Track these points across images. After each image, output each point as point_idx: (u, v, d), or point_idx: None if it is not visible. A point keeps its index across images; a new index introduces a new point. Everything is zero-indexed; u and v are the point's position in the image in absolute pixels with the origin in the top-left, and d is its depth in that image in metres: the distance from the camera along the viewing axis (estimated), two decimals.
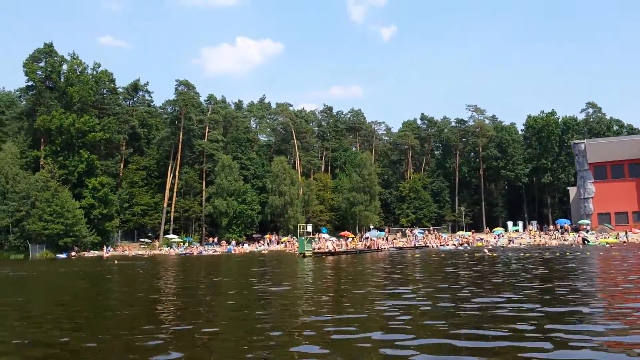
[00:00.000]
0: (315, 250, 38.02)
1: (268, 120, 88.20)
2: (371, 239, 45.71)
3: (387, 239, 49.32)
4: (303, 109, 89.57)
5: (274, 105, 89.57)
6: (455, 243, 50.62)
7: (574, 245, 44.57)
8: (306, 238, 36.58)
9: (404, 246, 48.29)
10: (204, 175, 75.42)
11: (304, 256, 35.49)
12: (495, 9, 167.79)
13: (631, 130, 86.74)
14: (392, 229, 75.82)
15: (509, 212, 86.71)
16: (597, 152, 64.54)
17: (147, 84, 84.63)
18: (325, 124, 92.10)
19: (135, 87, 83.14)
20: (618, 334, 7.05)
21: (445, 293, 12.28)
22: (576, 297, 11.04)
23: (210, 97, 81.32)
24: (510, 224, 72.20)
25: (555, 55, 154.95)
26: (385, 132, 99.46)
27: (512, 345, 6.45)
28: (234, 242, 63.69)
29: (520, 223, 73.08)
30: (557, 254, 30.47)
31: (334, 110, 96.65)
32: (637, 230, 55.83)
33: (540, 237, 57.49)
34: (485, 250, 35.21)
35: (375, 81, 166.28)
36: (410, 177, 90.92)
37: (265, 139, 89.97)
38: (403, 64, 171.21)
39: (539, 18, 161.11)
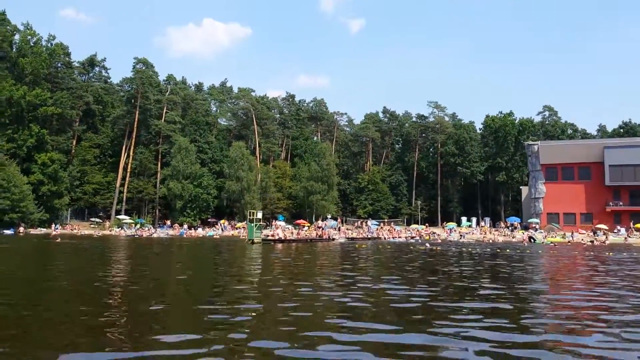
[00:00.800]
0: (265, 237, 37.68)
1: (229, 105, 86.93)
2: (322, 229, 45.67)
3: (339, 229, 49.32)
4: (265, 95, 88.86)
5: (236, 90, 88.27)
6: (407, 236, 51.13)
7: (519, 243, 45.62)
8: (256, 225, 36.13)
9: (357, 237, 48.49)
10: (160, 157, 73.89)
11: (253, 242, 35.09)
12: (463, 10, 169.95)
13: (584, 135, 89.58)
14: (349, 220, 76.38)
15: (464, 207, 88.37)
16: (549, 153, 66.16)
17: (104, 59, 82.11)
18: (287, 112, 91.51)
19: (91, 63, 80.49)
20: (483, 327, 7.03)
21: (345, 280, 12.18)
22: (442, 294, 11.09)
23: (170, 78, 79.59)
24: (464, 219, 73.47)
25: (517, 58, 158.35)
26: (347, 123, 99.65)
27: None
28: (186, 226, 62.66)
29: (474, 219, 74.45)
30: (498, 250, 31.06)
31: (297, 99, 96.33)
32: (583, 231, 57.55)
33: (490, 233, 58.75)
34: (427, 244, 35.81)
35: (342, 72, 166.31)
36: (369, 169, 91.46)
37: (226, 123, 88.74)
38: (370, 57, 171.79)
39: (504, 20, 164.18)
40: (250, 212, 37.40)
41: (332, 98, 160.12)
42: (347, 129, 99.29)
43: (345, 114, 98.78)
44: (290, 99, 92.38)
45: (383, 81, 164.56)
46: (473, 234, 60.32)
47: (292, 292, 10.25)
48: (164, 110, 75.41)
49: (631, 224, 58.78)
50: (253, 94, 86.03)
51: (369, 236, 49.75)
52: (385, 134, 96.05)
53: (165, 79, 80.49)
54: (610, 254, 27.79)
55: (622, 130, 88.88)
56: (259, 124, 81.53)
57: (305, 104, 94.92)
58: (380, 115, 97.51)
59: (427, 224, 71.43)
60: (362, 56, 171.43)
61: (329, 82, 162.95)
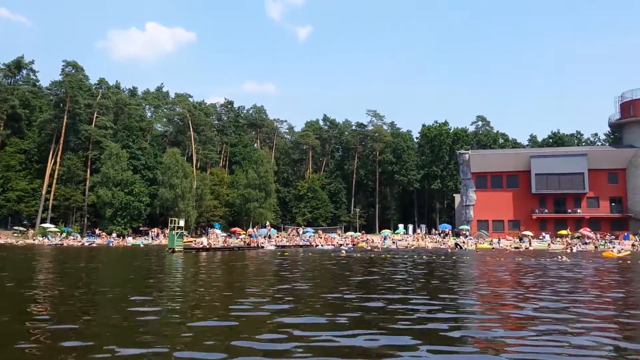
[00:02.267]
0: (187, 246, 36.79)
1: (165, 110, 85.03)
2: (251, 237, 45.13)
3: (269, 236, 48.89)
4: (203, 100, 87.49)
5: (172, 95, 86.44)
6: (336, 243, 51.37)
7: (447, 249, 46.59)
8: (177, 232, 35.19)
9: (288, 244, 48.23)
10: (89, 163, 71.27)
11: (174, 251, 34.13)
12: (404, 20, 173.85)
13: (515, 145, 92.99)
14: (286, 227, 76.01)
15: (401, 215, 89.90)
16: (479, 162, 68.16)
17: (32, 62, 78.55)
18: (225, 118, 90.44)
19: (18, 65, 76.84)
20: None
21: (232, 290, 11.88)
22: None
23: (102, 81, 77.14)
24: (401, 226, 74.56)
25: (455, 68, 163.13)
26: (287, 130, 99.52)
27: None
28: (114, 234, 60.56)
29: (410, 226, 75.71)
30: (424, 256, 31.47)
31: (238, 105, 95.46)
32: (510, 238, 59.48)
33: (423, 240, 59.90)
34: (343, 251, 36.13)
35: (289, 80, 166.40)
36: (309, 177, 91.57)
37: (162, 129, 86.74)
38: (315, 64, 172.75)
39: (442, 32, 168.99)
40: (171, 220, 36.34)
41: (278, 105, 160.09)
42: (288, 136, 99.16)
43: (286, 121, 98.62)
44: (229, 105, 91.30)
45: (326, 89, 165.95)
46: (405, 240, 61.29)
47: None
48: (95, 115, 72.92)
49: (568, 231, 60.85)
50: (190, 99, 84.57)
51: (301, 244, 49.55)
52: (326, 142, 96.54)
53: (97, 82, 77.94)
54: (520, 259, 28.69)
55: (551, 140, 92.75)
56: (196, 130, 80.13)
57: (244, 111, 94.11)
58: (321, 123, 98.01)
59: (363, 232, 72.09)
60: (308, 64, 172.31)
61: (275, 89, 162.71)
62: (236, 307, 9.29)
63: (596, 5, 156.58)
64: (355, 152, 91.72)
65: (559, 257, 30.50)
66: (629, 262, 26.36)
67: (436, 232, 67.45)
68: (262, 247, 41.95)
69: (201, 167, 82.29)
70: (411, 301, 10.11)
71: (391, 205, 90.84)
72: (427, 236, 62.84)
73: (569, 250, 42.66)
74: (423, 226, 76.24)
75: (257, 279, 15.98)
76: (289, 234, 56.01)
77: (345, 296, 10.91)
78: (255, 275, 17.70)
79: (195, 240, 43.91)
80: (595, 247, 47.31)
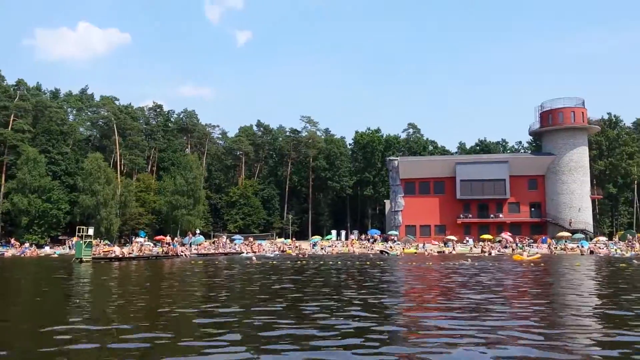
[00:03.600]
0: (97, 255, 35.03)
1: (89, 113, 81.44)
2: (169, 245, 43.64)
3: (190, 244, 47.51)
4: (130, 104, 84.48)
5: (97, 98, 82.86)
6: (262, 250, 50.73)
7: (374, 255, 46.85)
8: (84, 242, 33.42)
9: (212, 252, 47.06)
10: (4, 169, 67.16)
11: (81, 261, 32.40)
12: (342, 29, 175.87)
13: (444, 152, 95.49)
14: (216, 235, 74.29)
15: (334, 221, 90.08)
16: (407, 169, 69.38)
17: None
18: (154, 122, 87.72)
19: None
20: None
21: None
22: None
23: (20, 82, 72.96)
24: (334, 232, 74.61)
25: (389, 77, 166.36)
26: (220, 136, 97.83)
27: None
28: (27, 244, 57.12)
29: (343, 232, 75.95)
30: (338, 262, 31.34)
31: (171, 109, 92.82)
32: (436, 242, 60.71)
33: (352, 246, 60.18)
34: (254, 258, 35.78)
35: (226, 84, 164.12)
36: (242, 183, 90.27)
37: (87, 134, 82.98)
38: (253, 69, 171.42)
39: (379, 40, 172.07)
40: (78, 228, 34.52)
41: (214, 110, 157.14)
42: (221, 142, 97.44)
43: (218, 126, 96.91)
44: (158, 109, 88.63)
45: (262, 95, 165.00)
46: (335, 246, 61.30)
47: None
48: (12, 118, 68.87)
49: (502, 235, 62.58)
50: (117, 102, 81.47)
51: (224, 251, 48.45)
52: (259, 148, 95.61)
53: (15, 83, 73.74)
54: (430, 263, 29.08)
55: (478, 147, 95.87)
56: (122, 134, 77.24)
57: (175, 115, 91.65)
58: (255, 128, 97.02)
59: (293, 238, 71.62)
60: (245, 69, 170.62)
61: (212, 93, 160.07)
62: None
63: (520, 17, 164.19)
64: (289, 158, 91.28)
65: (465, 260, 31.24)
66: (532, 264, 27.26)
67: (366, 238, 67.93)
68: (180, 255, 40.62)
69: (127, 173, 79.36)
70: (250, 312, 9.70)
71: (324, 212, 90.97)
72: (355, 242, 63.07)
73: (486, 254, 43.90)
74: (356, 232, 76.69)
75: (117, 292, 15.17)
76: (213, 242, 54.61)
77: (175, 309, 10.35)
78: (121, 287, 16.86)
79: (112, 250, 42.00)
80: (513, 250, 49.00)
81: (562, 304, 11.16)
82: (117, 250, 37.31)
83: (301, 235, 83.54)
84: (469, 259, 32.17)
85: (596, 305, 10.99)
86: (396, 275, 20.80)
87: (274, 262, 31.51)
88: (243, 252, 47.50)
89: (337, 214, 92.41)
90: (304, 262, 32.62)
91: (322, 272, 22.77)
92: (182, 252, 41.39)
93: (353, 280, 18.04)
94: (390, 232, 67.10)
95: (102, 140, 79.33)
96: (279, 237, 78.03)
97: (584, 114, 66.48)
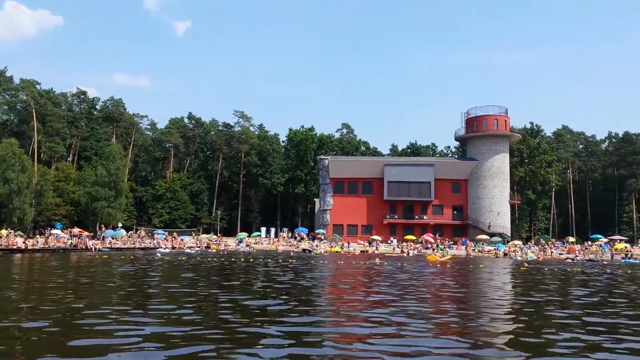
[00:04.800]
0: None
1: (6, 97, 76.37)
2: (78, 238, 41.52)
3: (103, 238, 45.47)
4: (51, 88, 79.95)
5: (17, 81, 77.80)
6: (184, 245, 49.37)
7: (299, 253, 46.63)
8: None
9: (125, 247, 45.21)
10: None
11: None
12: (282, 24, 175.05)
13: (375, 153, 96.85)
14: (138, 229, 71.69)
15: (265, 218, 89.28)
16: (337, 168, 69.62)
17: None
18: (77, 110, 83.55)
19: None
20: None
21: None
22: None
23: None
24: (263, 229, 73.80)
25: (326, 75, 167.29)
26: (149, 126, 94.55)
27: None
28: None
29: (273, 229, 75.33)
30: (250, 259, 30.77)
31: (96, 97, 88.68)
32: (361, 242, 61.20)
33: (278, 243, 59.75)
34: (158, 254, 34.86)
35: (162, 75, 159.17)
36: (170, 177, 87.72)
37: (4, 118, 77.83)
38: (189, 61, 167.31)
39: (318, 38, 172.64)
40: None
41: (150, 100, 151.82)
42: (149, 132, 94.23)
43: (146, 116, 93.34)
44: (82, 96, 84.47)
45: (198, 87, 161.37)
46: (261, 244, 60.67)
47: None
48: None
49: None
50: (38, 87, 76.92)
51: (142, 246, 46.70)
52: (190, 141, 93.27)
53: None
54: (342, 262, 29.07)
55: (409, 150, 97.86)
56: (41, 120, 73.00)
57: (100, 103, 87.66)
58: (186, 121, 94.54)
59: (219, 234, 70.25)
60: (182, 59, 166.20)
61: (148, 83, 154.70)
62: None
63: (454, 26, 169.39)
64: (220, 153, 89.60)
65: (377, 260, 31.58)
66: (439, 265, 27.81)
67: (292, 235, 67.64)
68: (91, 248, 38.69)
69: (46, 161, 75.15)
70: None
71: (254, 208, 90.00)
72: (280, 240, 62.67)
73: (405, 255, 44.64)
74: (286, 229, 76.21)
75: None
76: (129, 236, 52.49)
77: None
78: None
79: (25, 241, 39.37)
80: (433, 251, 50.14)
81: (424, 300, 11.10)
82: (19, 242, 34.94)
83: (230, 231, 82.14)
84: (378, 259, 32.50)
85: (454, 300, 11.01)
86: (285, 273, 20.47)
87: (183, 258, 30.48)
88: (160, 247, 45.88)
89: (267, 211, 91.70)
90: (215, 258, 31.81)
91: (215, 269, 22.11)
92: (92, 245, 39.39)
93: (235, 277, 17.55)
94: (317, 231, 67.11)
95: (20, 126, 74.64)
96: (207, 233, 76.39)
97: (507, 122, 69.16)
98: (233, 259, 30.81)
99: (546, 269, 27.26)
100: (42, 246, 36.45)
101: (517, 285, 16.72)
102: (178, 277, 17.34)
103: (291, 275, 19.06)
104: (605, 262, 40.83)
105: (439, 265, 27.75)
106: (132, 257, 31.11)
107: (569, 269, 26.76)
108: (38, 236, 49.22)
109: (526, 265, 31.65)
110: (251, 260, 30.26)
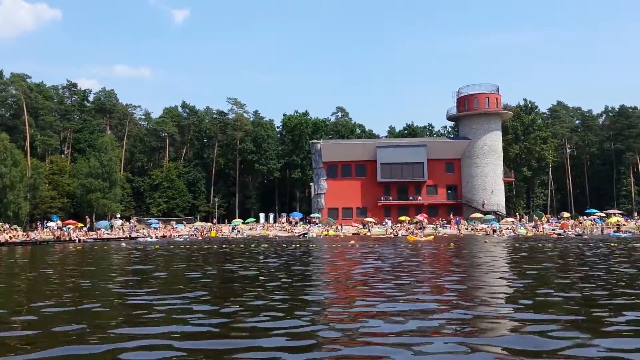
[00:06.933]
0: None
1: None
2: (61, 229, 41.82)
3: (97, 229, 45.80)
4: (42, 82, 79.95)
5: (7, 75, 77.80)
6: (175, 234, 49.66)
7: (295, 238, 46.78)
8: None
9: (115, 237, 45.54)
10: None
11: None
12: (277, 10, 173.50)
13: (371, 135, 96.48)
14: (138, 219, 72.19)
15: (262, 204, 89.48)
16: (330, 152, 69.55)
17: None
18: (69, 102, 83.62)
19: None
20: None
21: None
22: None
23: None
24: (262, 215, 74.02)
25: (321, 59, 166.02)
26: (144, 116, 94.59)
27: None
28: None
29: (271, 215, 75.56)
30: (241, 245, 30.86)
31: (87, 88, 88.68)
32: (356, 225, 61.35)
33: (273, 228, 60.17)
34: (123, 244, 35.08)
35: (162, 64, 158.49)
36: (166, 166, 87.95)
37: None
38: (187, 50, 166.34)
39: (312, 23, 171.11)
40: None
41: (152, 90, 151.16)
42: (144, 122, 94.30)
43: (139, 106, 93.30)
44: (73, 88, 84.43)
45: (192, 75, 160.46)
46: (255, 229, 61.03)
47: None
48: None
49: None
50: (28, 80, 76.97)
51: (130, 235, 47.02)
52: (185, 130, 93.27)
53: None
54: (314, 245, 29.17)
55: (406, 132, 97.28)
56: (32, 114, 73.16)
57: (92, 95, 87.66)
58: (180, 109, 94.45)
59: (214, 221, 70.56)
60: (179, 49, 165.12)
61: (149, 73, 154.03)
62: None
63: (444, 6, 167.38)
64: (215, 141, 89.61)
65: (351, 242, 31.80)
66: (419, 245, 27.86)
67: (287, 220, 67.86)
68: (74, 240, 38.97)
69: (40, 154, 75.46)
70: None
71: (252, 195, 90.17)
72: (273, 225, 62.96)
73: (392, 236, 44.75)
74: (284, 214, 76.42)
75: None
76: (121, 226, 52.86)
77: None
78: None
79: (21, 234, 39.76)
80: (421, 231, 50.20)
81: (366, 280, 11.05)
82: (3, 235, 35.25)
83: (229, 218, 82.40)
84: (352, 241, 32.66)
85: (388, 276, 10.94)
86: (258, 257, 20.53)
87: (157, 247, 30.62)
88: (148, 237, 46.14)
89: (265, 197, 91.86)
90: (196, 245, 31.98)
91: (183, 256, 22.22)
92: (76, 236, 39.67)
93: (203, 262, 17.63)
94: (312, 215, 67.31)
95: (12, 120, 74.86)
96: (205, 220, 76.77)
97: (498, 99, 68.68)
98: (213, 246, 30.94)
99: (516, 245, 27.12)
100: (23, 239, 36.68)
101: (445, 262, 16.38)
102: (112, 268, 17.17)
103: (230, 264, 19.13)
104: (590, 236, 40.75)
105: (410, 245, 27.80)
106: (105, 248, 31.29)
107: (540, 245, 26.58)
108: (36, 230, 49.53)
109: (487, 241, 31.81)
110: (241, 246, 30.36)
